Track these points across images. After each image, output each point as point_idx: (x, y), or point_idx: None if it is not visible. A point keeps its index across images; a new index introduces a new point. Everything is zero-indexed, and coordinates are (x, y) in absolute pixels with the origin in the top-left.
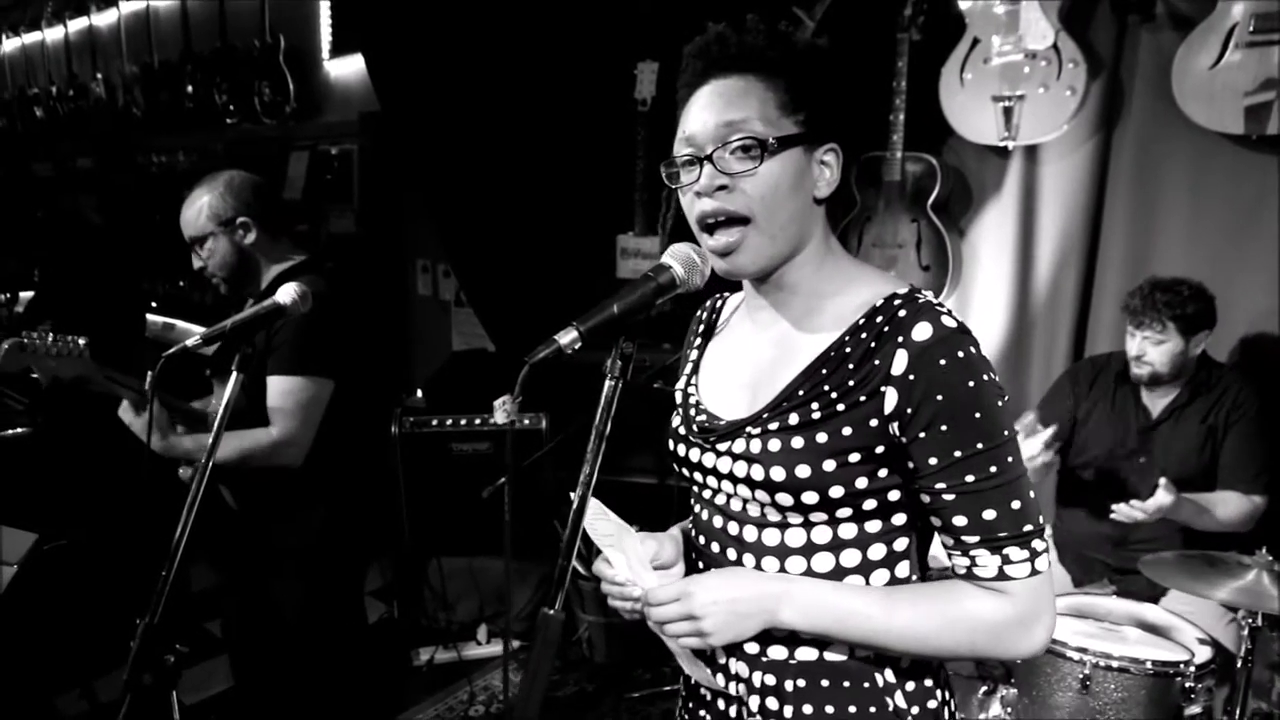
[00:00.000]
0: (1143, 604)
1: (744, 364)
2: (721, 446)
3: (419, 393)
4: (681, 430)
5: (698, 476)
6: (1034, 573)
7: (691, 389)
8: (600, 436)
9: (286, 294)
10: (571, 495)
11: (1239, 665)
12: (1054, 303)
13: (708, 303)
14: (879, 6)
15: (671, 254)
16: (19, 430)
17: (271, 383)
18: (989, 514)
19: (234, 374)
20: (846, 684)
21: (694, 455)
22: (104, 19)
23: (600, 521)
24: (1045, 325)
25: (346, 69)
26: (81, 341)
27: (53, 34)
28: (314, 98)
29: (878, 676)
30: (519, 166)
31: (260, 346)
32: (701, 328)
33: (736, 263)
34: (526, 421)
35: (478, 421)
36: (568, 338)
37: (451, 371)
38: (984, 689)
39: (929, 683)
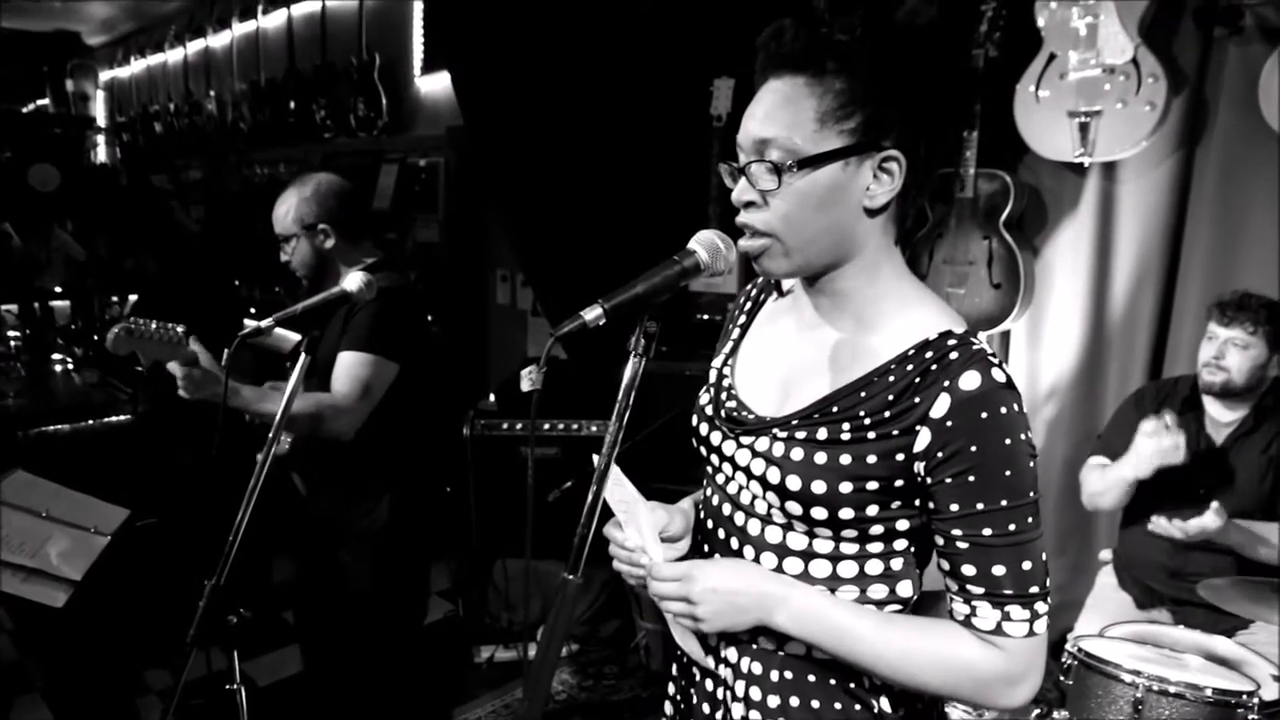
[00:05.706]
0: (1213, 636)
1: (783, 359)
2: (745, 440)
3: (492, 397)
4: (709, 410)
5: (715, 460)
6: (1031, 634)
7: (727, 370)
8: (623, 409)
9: (353, 282)
10: (594, 457)
11: None
12: (1130, 324)
13: (760, 279)
14: (955, 22)
15: (698, 240)
16: (123, 417)
17: (340, 357)
18: (998, 569)
19: (302, 355)
20: (833, 681)
21: (715, 439)
22: (219, 40)
23: (616, 488)
24: (1121, 347)
25: (436, 85)
26: (180, 329)
27: (173, 55)
28: (405, 112)
29: (864, 678)
30: (593, 180)
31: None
32: (749, 305)
33: (764, 267)
34: (595, 429)
35: (546, 426)
36: (592, 314)
37: None
38: (1036, 712)
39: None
